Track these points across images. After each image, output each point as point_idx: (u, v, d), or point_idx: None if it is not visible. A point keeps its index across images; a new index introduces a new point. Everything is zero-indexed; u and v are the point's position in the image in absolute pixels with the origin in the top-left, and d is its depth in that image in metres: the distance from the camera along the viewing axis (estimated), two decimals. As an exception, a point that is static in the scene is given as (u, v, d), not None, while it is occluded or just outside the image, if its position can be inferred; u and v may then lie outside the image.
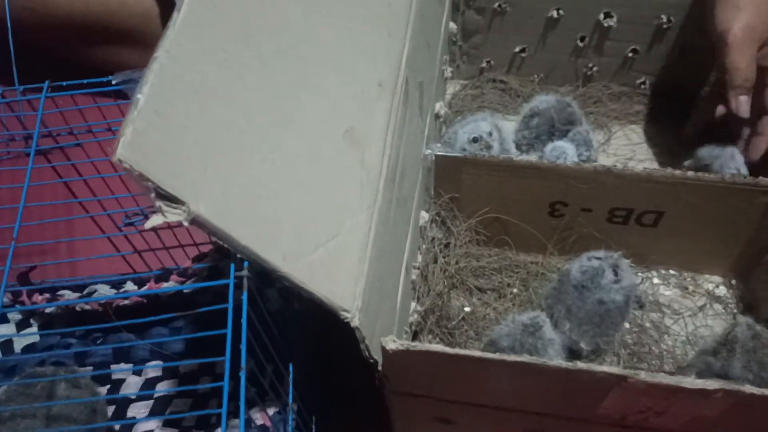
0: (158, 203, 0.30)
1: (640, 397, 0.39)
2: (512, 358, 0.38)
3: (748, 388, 0.38)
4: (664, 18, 0.72)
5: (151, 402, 0.59)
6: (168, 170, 0.30)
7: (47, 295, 0.61)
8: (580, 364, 0.38)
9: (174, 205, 0.30)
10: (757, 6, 0.60)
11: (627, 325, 0.63)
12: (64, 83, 0.45)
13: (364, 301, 0.40)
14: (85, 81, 0.45)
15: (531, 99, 0.76)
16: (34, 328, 0.63)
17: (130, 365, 0.61)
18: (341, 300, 0.38)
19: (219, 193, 0.33)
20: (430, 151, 0.60)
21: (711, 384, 0.38)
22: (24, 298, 0.60)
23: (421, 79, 0.59)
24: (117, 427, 0.57)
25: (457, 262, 0.65)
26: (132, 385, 0.60)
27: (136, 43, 0.76)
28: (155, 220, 0.30)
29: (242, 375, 0.32)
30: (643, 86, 0.81)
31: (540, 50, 0.80)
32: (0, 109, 0.47)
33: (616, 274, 0.58)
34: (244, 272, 0.34)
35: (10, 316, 0.62)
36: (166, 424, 0.58)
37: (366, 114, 0.45)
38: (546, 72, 0.82)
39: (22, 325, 0.63)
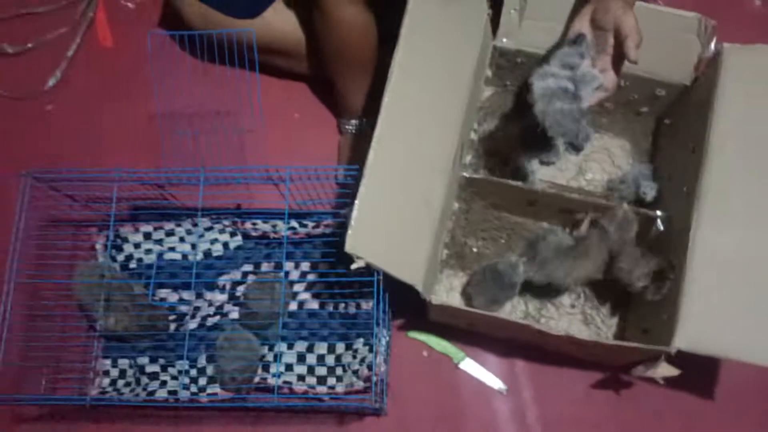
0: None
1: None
2: (489, 314, 0.91)
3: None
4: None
5: (304, 284, 1.14)
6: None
7: (249, 223, 1.14)
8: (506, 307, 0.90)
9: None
10: None
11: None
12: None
13: (424, 277, 0.92)
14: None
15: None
16: (239, 237, 1.17)
17: (292, 263, 1.15)
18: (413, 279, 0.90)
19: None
20: (464, 174, 1.08)
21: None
22: (239, 226, 1.14)
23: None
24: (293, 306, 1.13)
25: (469, 223, 1.15)
26: (293, 274, 1.15)
27: (294, 56, 1.22)
28: (359, 263, 0.81)
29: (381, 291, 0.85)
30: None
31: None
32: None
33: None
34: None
35: (228, 230, 1.16)
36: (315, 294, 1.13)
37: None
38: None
39: (232, 235, 1.17)
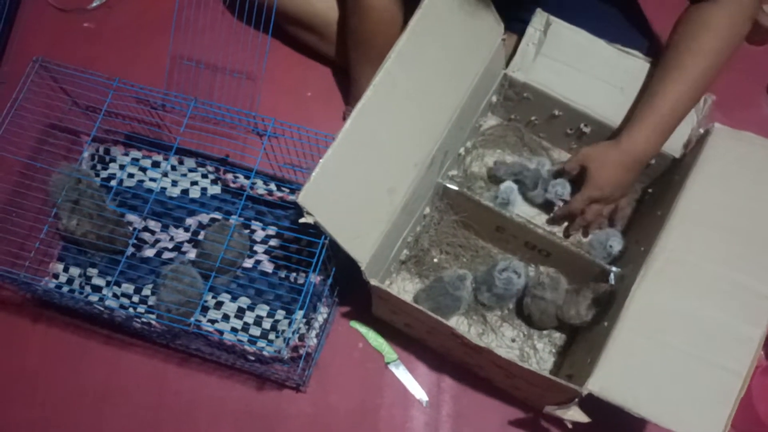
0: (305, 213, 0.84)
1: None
2: (421, 308, 0.93)
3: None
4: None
5: (266, 246, 1.17)
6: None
7: (231, 175, 1.18)
8: (451, 324, 0.92)
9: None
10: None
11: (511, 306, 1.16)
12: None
13: (372, 256, 0.94)
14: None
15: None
16: (218, 186, 1.20)
17: (260, 224, 1.18)
18: (358, 255, 0.92)
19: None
20: (441, 181, 1.11)
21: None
22: (221, 174, 1.17)
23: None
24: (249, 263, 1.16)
25: (438, 233, 1.18)
26: (258, 234, 1.18)
27: (322, 35, 1.28)
28: (307, 218, 0.84)
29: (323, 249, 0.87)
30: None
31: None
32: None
33: (518, 275, 1.10)
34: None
35: (210, 176, 1.20)
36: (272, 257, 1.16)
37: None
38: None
39: (213, 183, 1.21)
